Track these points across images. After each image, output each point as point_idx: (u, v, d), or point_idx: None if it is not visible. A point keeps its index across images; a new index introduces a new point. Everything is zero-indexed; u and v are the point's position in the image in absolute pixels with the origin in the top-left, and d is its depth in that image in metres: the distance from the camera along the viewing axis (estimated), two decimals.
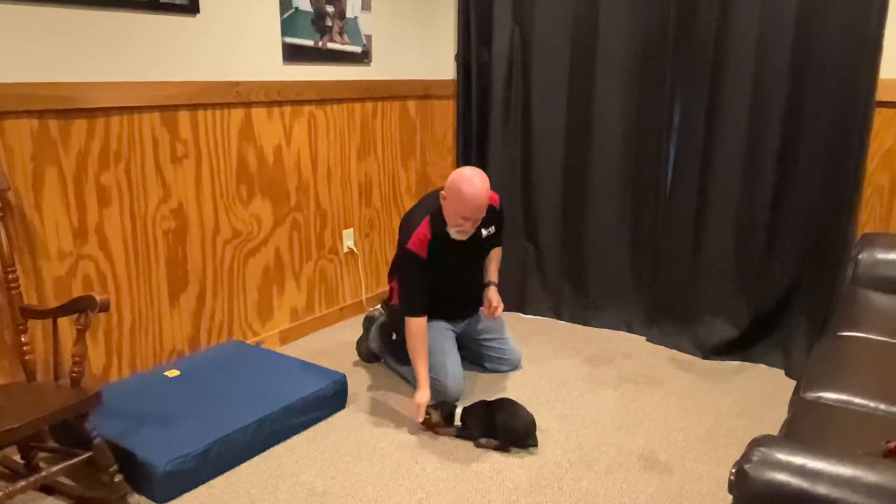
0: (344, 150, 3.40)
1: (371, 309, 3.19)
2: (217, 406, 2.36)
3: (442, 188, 2.53)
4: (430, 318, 2.72)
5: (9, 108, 2.12)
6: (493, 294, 2.82)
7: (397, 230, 3.50)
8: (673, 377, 2.93)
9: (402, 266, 2.62)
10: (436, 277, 2.60)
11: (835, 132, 2.74)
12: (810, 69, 2.76)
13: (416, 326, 2.56)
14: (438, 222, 2.55)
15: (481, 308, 2.84)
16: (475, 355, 2.96)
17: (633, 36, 3.15)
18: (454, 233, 2.54)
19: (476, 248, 2.72)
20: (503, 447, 2.35)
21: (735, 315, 3.09)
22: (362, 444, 2.39)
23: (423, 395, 2.50)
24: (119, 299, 2.53)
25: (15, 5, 2.11)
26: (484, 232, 2.69)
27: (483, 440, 2.37)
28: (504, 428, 2.35)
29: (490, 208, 2.65)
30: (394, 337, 2.84)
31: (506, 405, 2.40)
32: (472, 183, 2.41)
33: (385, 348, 2.90)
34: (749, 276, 3.05)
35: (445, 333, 2.79)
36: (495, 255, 2.90)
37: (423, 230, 2.54)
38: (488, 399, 2.47)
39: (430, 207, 2.59)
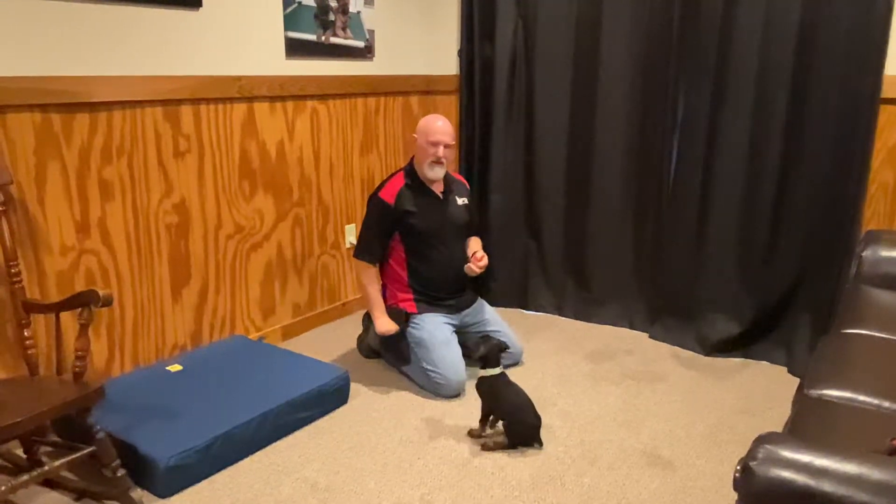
0: (346, 146, 3.39)
1: None
2: (219, 401, 2.36)
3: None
4: (427, 310, 2.80)
5: (11, 101, 2.12)
6: (479, 249, 2.92)
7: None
8: (675, 374, 2.92)
9: (367, 212, 2.86)
10: (421, 246, 2.80)
11: (839, 129, 2.73)
12: (815, 65, 2.75)
13: (366, 275, 2.83)
14: (410, 173, 2.83)
15: (467, 265, 2.85)
16: None
17: (638, 32, 3.14)
18: (429, 170, 2.78)
19: (453, 211, 2.88)
20: (510, 446, 2.34)
21: (738, 312, 3.09)
22: (364, 439, 2.39)
23: (385, 323, 2.79)
24: (121, 294, 2.53)
25: None
26: (458, 200, 2.92)
27: (491, 442, 2.35)
28: (511, 426, 2.33)
29: (460, 183, 3.03)
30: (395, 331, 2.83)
31: (517, 402, 2.35)
32: (436, 115, 2.84)
33: (385, 346, 2.91)
34: (752, 273, 3.04)
35: (444, 327, 2.80)
36: (474, 240, 3.04)
37: (396, 179, 2.83)
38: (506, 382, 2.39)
39: (403, 168, 2.89)
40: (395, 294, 2.87)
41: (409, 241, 2.81)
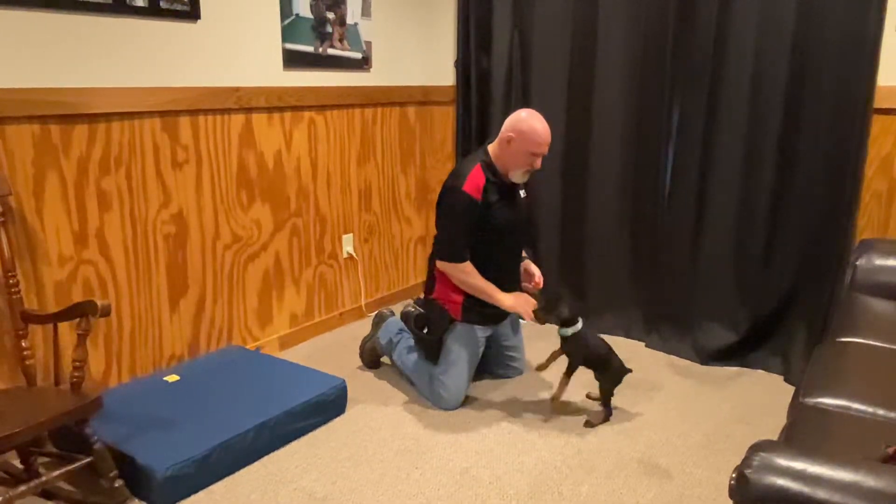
0: (344, 156, 3.40)
1: (383, 309, 3.16)
2: (217, 411, 2.36)
3: (485, 143, 2.66)
4: (470, 320, 2.68)
5: (10, 113, 2.13)
6: (532, 266, 2.84)
7: (393, 237, 3.53)
8: (672, 383, 2.93)
9: (450, 206, 2.54)
10: (491, 243, 2.61)
11: (833, 139, 2.75)
12: (809, 76, 2.78)
13: (466, 268, 2.58)
14: (491, 169, 2.57)
15: (524, 284, 2.81)
16: (488, 360, 2.90)
17: (632, 42, 3.17)
18: (519, 177, 2.59)
19: (521, 205, 2.72)
20: (609, 394, 2.59)
21: (734, 321, 3.10)
22: (362, 449, 2.39)
23: (507, 298, 2.60)
24: (119, 304, 2.53)
25: (16, 11, 2.11)
26: (522, 193, 2.74)
27: (592, 420, 2.57)
28: (604, 375, 2.57)
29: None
30: (425, 331, 2.73)
31: (603, 353, 2.58)
32: (538, 117, 2.53)
33: (424, 342, 2.75)
34: (748, 282, 3.06)
35: (477, 344, 2.72)
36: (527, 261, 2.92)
37: (476, 174, 2.53)
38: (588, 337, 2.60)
39: (477, 159, 2.59)
40: (444, 290, 2.69)
41: (481, 237, 2.58)
